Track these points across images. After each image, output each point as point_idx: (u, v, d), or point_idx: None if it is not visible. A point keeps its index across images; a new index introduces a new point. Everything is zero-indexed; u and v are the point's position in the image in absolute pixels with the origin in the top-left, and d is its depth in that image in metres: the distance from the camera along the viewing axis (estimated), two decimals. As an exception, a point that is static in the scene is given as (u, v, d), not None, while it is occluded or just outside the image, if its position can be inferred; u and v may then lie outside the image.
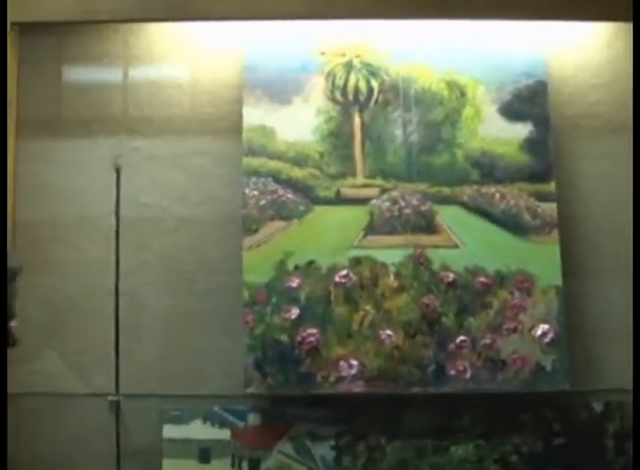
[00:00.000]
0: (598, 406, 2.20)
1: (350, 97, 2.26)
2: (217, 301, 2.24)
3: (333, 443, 2.18)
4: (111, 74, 2.35)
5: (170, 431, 2.17)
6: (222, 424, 2.20)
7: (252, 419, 2.20)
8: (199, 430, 2.20)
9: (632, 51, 2.22)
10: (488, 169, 2.23)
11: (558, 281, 2.16)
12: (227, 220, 2.25)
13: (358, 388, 2.10)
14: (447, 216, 2.21)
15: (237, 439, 2.19)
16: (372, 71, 2.27)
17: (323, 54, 2.28)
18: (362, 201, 2.21)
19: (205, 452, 2.18)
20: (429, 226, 2.20)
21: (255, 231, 2.19)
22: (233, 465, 2.18)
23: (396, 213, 2.19)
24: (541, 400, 2.19)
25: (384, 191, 2.22)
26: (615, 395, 2.22)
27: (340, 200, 2.21)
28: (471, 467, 2.17)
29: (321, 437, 2.18)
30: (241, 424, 2.20)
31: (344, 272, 2.15)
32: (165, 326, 2.24)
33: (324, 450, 2.17)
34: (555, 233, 2.19)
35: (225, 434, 2.19)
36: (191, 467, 2.17)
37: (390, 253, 2.18)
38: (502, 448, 2.18)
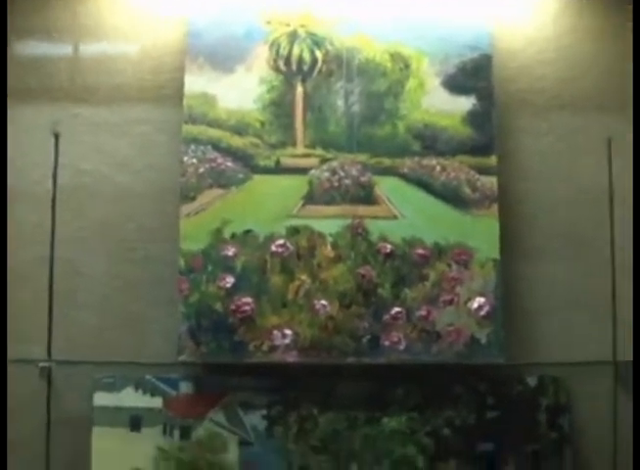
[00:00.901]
0: (532, 381, 2.27)
1: (294, 67, 2.30)
2: (154, 269, 2.27)
3: (265, 412, 2.23)
4: (57, 43, 2.37)
5: (101, 398, 2.22)
6: (154, 392, 2.24)
7: (185, 388, 2.24)
8: (130, 398, 2.26)
9: (632, 50, 2.30)
10: (430, 142, 2.28)
11: (496, 255, 2.21)
12: (166, 188, 2.29)
13: (292, 357, 2.14)
14: (387, 188, 2.25)
15: (169, 407, 2.23)
16: (316, 42, 2.31)
17: (268, 23, 2.32)
18: (302, 170, 2.26)
19: (136, 421, 2.22)
20: (368, 197, 2.24)
21: (193, 199, 2.23)
22: (164, 433, 2.21)
23: (336, 184, 2.23)
24: (475, 373, 2.25)
25: (323, 161, 2.26)
26: (549, 369, 2.25)
27: (279, 169, 2.26)
28: (403, 439, 2.21)
29: (253, 406, 2.23)
30: (173, 392, 2.24)
31: (281, 242, 2.20)
32: (101, 294, 2.29)
33: (256, 420, 2.22)
34: (494, 207, 2.24)
35: (157, 402, 2.24)
36: (121, 435, 2.20)
37: (328, 223, 2.22)
38: (435, 421, 2.23)
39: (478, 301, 2.19)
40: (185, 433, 2.22)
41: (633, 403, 2.03)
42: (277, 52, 2.33)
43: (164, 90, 2.34)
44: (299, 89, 2.30)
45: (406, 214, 2.25)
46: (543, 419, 2.26)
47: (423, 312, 2.18)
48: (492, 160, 2.28)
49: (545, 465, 2.25)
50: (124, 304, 2.28)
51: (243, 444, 2.24)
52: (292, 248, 2.21)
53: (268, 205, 2.24)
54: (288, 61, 2.31)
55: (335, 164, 2.27)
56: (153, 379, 2.24)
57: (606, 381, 2.30)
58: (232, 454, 2.23)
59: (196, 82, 2.28)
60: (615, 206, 2.32)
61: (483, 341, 2.18)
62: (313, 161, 2.28)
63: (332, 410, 2.24)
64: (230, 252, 2.20)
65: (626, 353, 2.28)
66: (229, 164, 2.26)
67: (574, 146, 2.34)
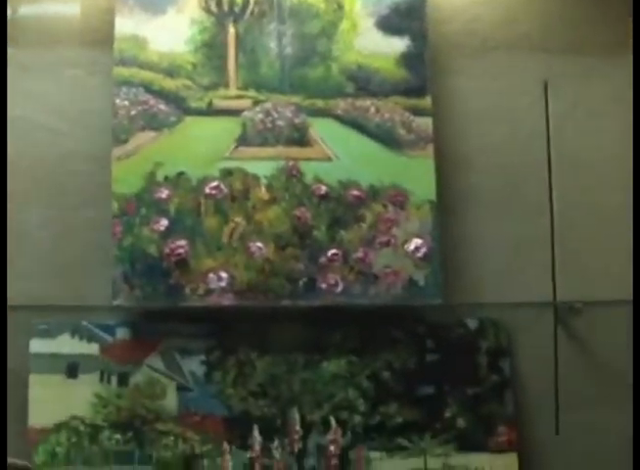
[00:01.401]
0: (472, 323, 2.28)
1: (225, 8, 2.31)
2: (88, 213, 2.27)
3: (203, 358, 2.24)
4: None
5: (38, 345, 2.23)
6: (91, 339, 2.26)
7: (122, 334, 2.26)
8: (67, 345, 2.27)
9: (632, 50, 2.30)
10: (364, 83, 2.29)
11: (432, 196, 2.22)
12: (98, 132, 2.27)
13: (228, 300, 2.14)
14: (321, 129, 2.26)
15: (105, 353, 2.24)
16: (248, -18, 2.30)
17: (200, -36, 2.30)
18: (234, 112, 2.27)
19: (72, 367, 2.25)
20: (302, 139, 2.25)
21: (125, 141, 2.23)
22: (101, 380, 2.22)
23: (269, 125, 2.24)
24: (414, 316, 2.25)
25: (257, 103, 2.27)
26: (488, 311, 2.25)
27: (212, 111, 2.27)
28: (342, 383, 2.22)
29: (191, 352, 2.25)
30: (110, 339, 2.25)
31: (215, 184, 2.20)
32: (35, 239, 2.27)
33: (194, 365, 2.24)
34: (430, 148, 2.26)
35: (94, 348, 2.26)
36: (58, 382, 2.22)
37: (262, 165, 2.23)
38: (374, 365, 2.25)
39: (415, 242, 2.20)
40: (122, 379, 2.23)
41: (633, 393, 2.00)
42: (208, -7, 2.31)
43: (95, 33, 2.33)
44: (231, 30, 2.31)
45: (341, 156, 2.25)
46: (484, 362, 2.28)
47: (359, 254, 2.18)
48: (427, 101, 2.29)
49: (486, 408, 2.27)
50: (58, 249, 2.29)
51: (181, 389, 2.26)
52: (225, 190, 2.21)
53: (201, 147, 2.25)
54: (219, 2, 2.33)
55: (268, 105, 2.27)
56: (89, 325, 2.25)
57: (546, 323, 2.28)
58: (170, 400, 2.24)
59: (126, 24, 2.29)
60: (551, 147, 2.30)
61: (421, 283, 2.19)
62: (246, 102, 2.28)
63: (270, 355, 2.26)
64: (163, 194, 2.20)
65: (566, 295, 2.27)
66: (161, 106, 2.26)
67: (510, 87, 2.37)
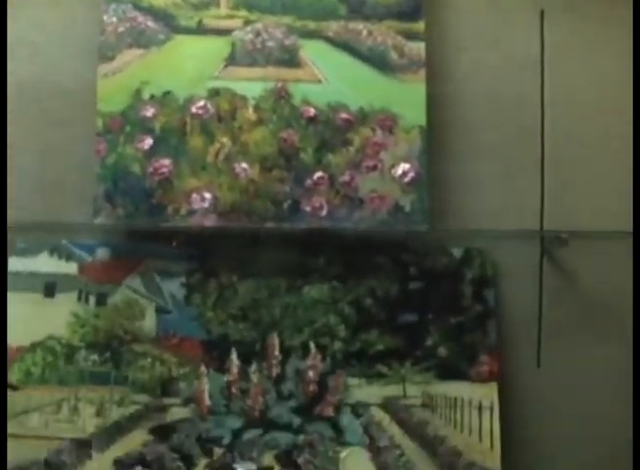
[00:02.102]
0: (457, 252, 2.28)
1: None
2: (71, 131, 2.26)
3: (183, 280, 2.24)
4: None
5: (16, 264, 2.21)
6: (70, 258, 2.25)
7: (101, 253, 2.25)
8: (45, 263, 2.26)
9: (632, 49, 2.29)
10: (357, 6, 2.30)
11: (422, 121, 2.22)
12: (84, 48, 2.25)
13: (210, 221, 2.14)
14: (312, 51, 2.27)
15: (84, 273, 2.24)
16: None
17: None
18: (224, 32, 2.27)
19: (50, 286, 2.23)
20: (292, 60, 2.25)
21: (112, 59, 2.22)
22: (79, 300, 2.22)
23: (259, 46, 2.23)
24: (399, 243, 2.24)
25: (247, 23, 2.27)
26: (474, 240, 2.25)
27: (201, 30, 2.27)
28: (324, 308, 2.22)
29: (171, 273, 2.23)
30: (89, 258, 2.24)
31: (202, 103, 2.20)
32: (16, 156, 2.25)
33: (174, 287, 2.23)
34: (422, 73, 2.26)
35: (72, 268, 2.25)
36: (35, 301, 2.22)
37: (251, 85, 2.22)
38: (357, 291, 2.25)
39: (402, 167, 2.19)
40: (101, 299, 2.23)
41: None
42: None
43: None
44: (222, -52, 2.27)
45: (331, 79, 2.24)
46: (468, 291, 2.28)
47: (346, 178, 2.18)
48: (420, 25, 2.29)
49: (469, 337, 2.28)
50: (40, 167, 2.28)
51: (160, 311, 2.26)
52: (212, 110, 2.20)
53: (189, 66, 2.24)
54: None
55: (259, 26, 2.26)
56: (68, 244, 2.24)
57: (532, 254, 2.29)
58: (149, 322, 2.24)
59: (115, -64, 2.24)
60: (545, 77, 2.30)
61: (407, 208, 2.19)
62: (237, 22, 2.27)
63: (251, 278, 2.26)
64: (149, 113, 2.19)
65: (553, 226, 2.27)
66: (150, 23, 2.25)
67: (506, 15, 2.35)
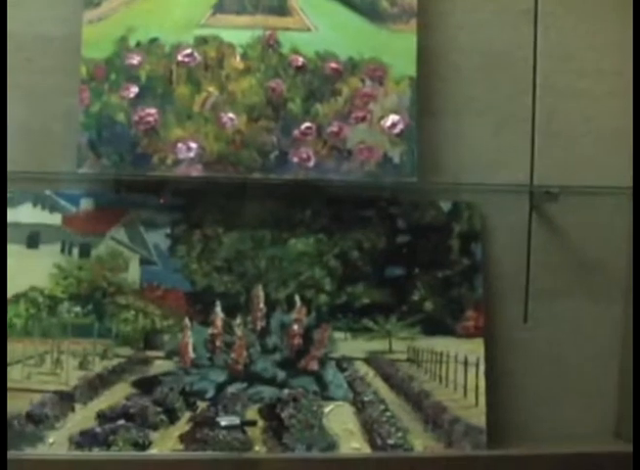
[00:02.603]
0: (446, 205, 2.27)
1: None
2: (54, 79, 2.23)
3: (168, 231, 2.22)
4: None
5: (-2, 214, 2.16)
6: (53, 208, 2.24)
7: (85, 204, 2.24)
8: (28, 214, 2.24)
9: (632, 48, 2.27)
10: (348, -47, 2.22)
11: (412, 72, 2.21)
12: (69, -7, 2.20)
13: (196, 171, 2.13)
14: (301, -1, 2.20)
15: (68, 224, 2.22)
16: None
17: None
18: (212, -22, 2.19)
19: (33, 237, 2.21)
20: (281, 8, 2.24)
21: (97, 5, 2.22)
22: (63, 251, 2.21)
23: (247, -7, 2.18)
24: (387, 196, 2.23)
25: (235, -31, 2.20)
26: (463, 194, 2.23)
27: (189, -24, 2.19)
28: (310, 261, 2.22)
29: (156, 224, 2.22)
30: (73, 209, 2.23)
31: (189, 51, 2.18)
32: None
33: (158, 238, 2.22)
34: (413, 22, 2.25)
35: (56, 219, 2.23)
36: (18, 252, 2.22)
37: (239, 33, 2.21)
38: (343, 244, 2.23)
39: (391, 118, 2.18)
40: (84, 251, 2.21)
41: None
42: None
43: None
44: None
45: (320, 27, 2.22)
46: (455, 245, 2.28)
47: (334, 129, 2.16)
48: (412, -26, 2.24)
49: (455, 292, 2.27)
50: (24, 116, 2.23)
51: (144, 263, 2.25)
52: (199, 58, 2.19)
53: (176, 13, 2.21)
54: None
55: (247, -28, 2.22)
56: (52, 194, 2.22)
57: (521, 209, 2.28)
58: (133, 273, 2.23)
59: None
60: (539, 29, 2.28)
61: (396, 160, 2.18)
62: (225, -32, 2.22)
63: (237, 230, 2.25)
64: (135, 60, 2.17)
65: (544, 180, 2.26)
66: (135, -32, 2.20)
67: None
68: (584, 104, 2.34)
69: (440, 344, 2.28)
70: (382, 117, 2.22)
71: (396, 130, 2.21)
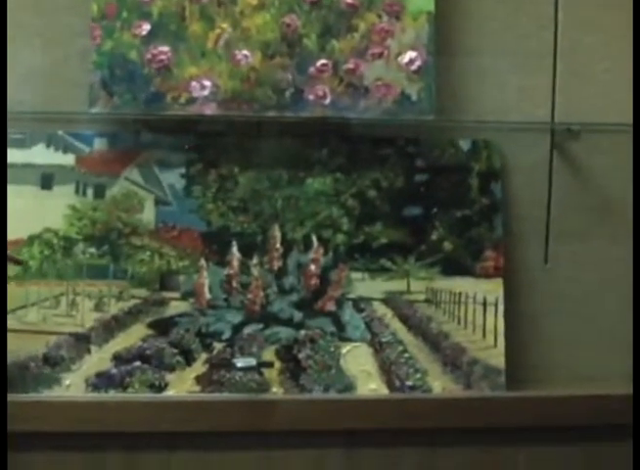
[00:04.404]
0: (465, 144, 2.24)
1: None
2: (65, 19, 2.26)
3: (183, 171, 2.21)
4: None
5: (12, 156, 2.20)
6: (67, 149, 2.23)
7: (99, 144, 2.23)
8: (42, 155, 2.24)
9: (632, 47, 2.24)
10: None
11: (430, 6, 2.20)
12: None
13: (210, 110, 2.12)
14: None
15: (82, 164, 2.21)
16: None
17: None
18: None
19: (47, 178, 2.21)
20: (295, -58, 2.16)
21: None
22: (77, 192, 2.20)
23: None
24: (405, 134, 2.22)
25: None
26: (483, 131, 2.23)
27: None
28: (327, 200, 2.21)
29: (171, 164, 2.22)
30: (87, 149, 2.22)
31: (201, -13, 2.13)
32: (10, 45, 2.21)
33: (173, 178, 2.22)
34: (431, -44, 2.16)
35: (69, 159, 2.22)
36: (32, 194, 2.21)
37: (253, -33, 2.15)
38: (360, 183, 2.23)
39: (409, 55, 2.16)
40: (99, 191, 2.21)
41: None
42: None
43: None
44: None
45: (336, -40, 2.17)
46: (474, 184, 2.26)
47: (350, 65, 2.15)
48: None
49: (475, 232, 2.26)
50: (35, 56, 2.22)
51: (159, 203, 2.24)
52: (212, -6, 2.14)
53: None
54: None
55: None
56: (65, 135, 2.21)
57: (542, 147, 2.26)
58: (148, 214, 2.23)
59: None
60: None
61: (414, 97, 2.16)
62: None
63: (253, 169, 2.24)
64: (146, -3, 2.13)
65: (565, 118, 2.24)
66: None
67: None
68: (606, 38, 2.29)
69: (459, 284, 2.27)
70: (399, 54, 2.20)
71: (414, 67, 2.20)
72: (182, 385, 2.23)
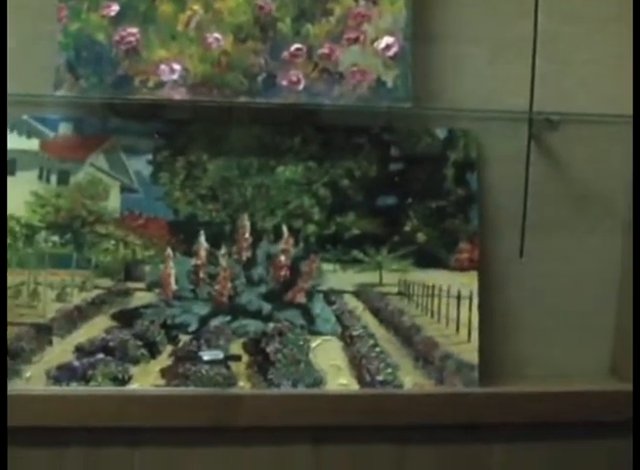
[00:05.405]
0: (441, 133, 2.21)
1: None
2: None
3: (150, 157, 2.17)
4: None
5: (-28, 137, 2.10)
6: (31, 133, 2.17)
7: (64, 129, 2.18)
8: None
9: (632, 47, 2.21)
10: None
11: (409, -8, 2.10)
12: None
13: (180, 95, 2.07)
14: None
15: (46, 149, 2.15)
16: None
17: None
18: None
19: (10, 164, 2.17)
20: None
21: None
22: (40, 178, 2.15)
23: None
24: (380, 122, 2.19)
25: None
26: (460, 121, 2.18)
27: None
28: (298, 190, 2.17)
29: (137, 150, 2.17)
30: (51, 134, 2.17)
31: (173, -34, 2.07)
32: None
33: (140, 165, 2.17)
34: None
35: (33, 144, 2.16)
36: (-8, 178, 2.09)
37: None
38: (333, 172, 2.19)
39: (385, 40, 2.12)
40: (63, 178, 2.16)
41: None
42: None
43: None
44: None
45: (312, -59, 2.11)
46: (450, 174, 2.22)
47: (325, 50, 2.10)
48: None
49: (449, 223, 2.22)
50: (-1, 37, 2.12)
51: (125, 190, 2.19)
52: (184, -27, 2.08)
53: None
54: None
55: None
56: (30, 119, 2.15)
57: (519, 137, 2.23)
58: (113, 201, 2.18)
59: None
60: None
61: (390, 84, 2.11)
62: None
63: (222, 157, 2.19)
64: (115, -24, 2.07)
65: (544, 107, 2.21)
66: None
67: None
68: (587, 29, 2.25)
69: (433, 277, 2.24)
70: (375, 39, 2.16)
71: (390, 53, 2.15)
72: (146, 378, 2.19)
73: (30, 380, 2.16)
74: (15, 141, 2.20)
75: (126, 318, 2.22)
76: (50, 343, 2.20)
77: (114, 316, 2.22)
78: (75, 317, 2.21)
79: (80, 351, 2.19)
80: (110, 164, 2.20)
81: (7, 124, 2.21)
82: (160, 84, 2.12)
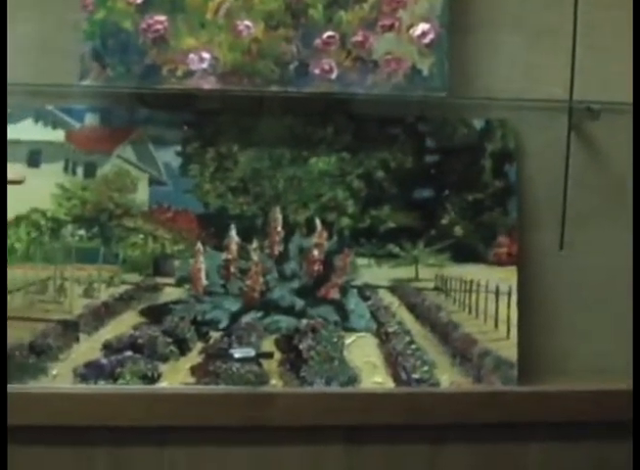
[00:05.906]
0: (478, 123, 2.15)
1: None
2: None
3: (179, 149, 2.12)
4: None
5: (-3, 130, 2.05)
6: (56, 124, 2.13)
7: (91, 119, 2.14)
8: (29, 130, 2.14)
9: (632, 47, 2.16)
10: None
11: (445, -18, 2.05)
12: None
13: (209, 84, 2.02)
14: None
15: (72, 141, 2.10)
16: None
17: None
18: None
19: (35, 155, 2.11)
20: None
21: None
22: (66, 170, 2.10)
23: None
24: (416, 112, 2.14)
25: None
26: (497, 111, 2.12)
27: None
28: (331, 182, 2.12)
29: (166, 142, 2.12)
30: (77, 125, 2.13)
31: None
32: None
33: (169, 157, 2.12)
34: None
35: (59, 135, 2.12)
36: (18, 172, 2.11)
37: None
38: (368, 163, 2.14)
39: (421, 27, 2.06)
40: (89, 170, 2.11)
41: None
42: None
43: None
44: None
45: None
46: (488, 166, 2.17)
47: (359, 38, 2.04)
48: None
49: (487, 216, 2.17)
50: (23, 26, 2.13)
51: (154, 183, 2.14)
52: (213, -46, 2.03)
53: None
54: None
55: None
56: (55, 110, 2.11)
57: (559, 127, 2.16)
58: (141, 194, 2.14)
59: None
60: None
61: (425, 72, 2.06)
62: None
63: (253, 148, 2.14)
64: (146, -36, 2.02)
65: (584, 95, 2.15)
66: None
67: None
68: (627, 15, 2.19)
69: (470, 272, 2.19)
70: (411, 26, 2.10)
71: (426, 40, 2.09)
72: (176, 376, 2.14)
73: (57, 378, 2.12)
74: (39, 132, 2.15)
75: (155, 314, 2.17)
76: (77, 340, 2.15)
77: (142, 312, 2.18)
78: (103, 313, 2.17)
79: (108, 348, 2.14)
80: (137, 156, 2.15)
81: (30, 112, 2.15)
82: (189, 73, 2.07)
